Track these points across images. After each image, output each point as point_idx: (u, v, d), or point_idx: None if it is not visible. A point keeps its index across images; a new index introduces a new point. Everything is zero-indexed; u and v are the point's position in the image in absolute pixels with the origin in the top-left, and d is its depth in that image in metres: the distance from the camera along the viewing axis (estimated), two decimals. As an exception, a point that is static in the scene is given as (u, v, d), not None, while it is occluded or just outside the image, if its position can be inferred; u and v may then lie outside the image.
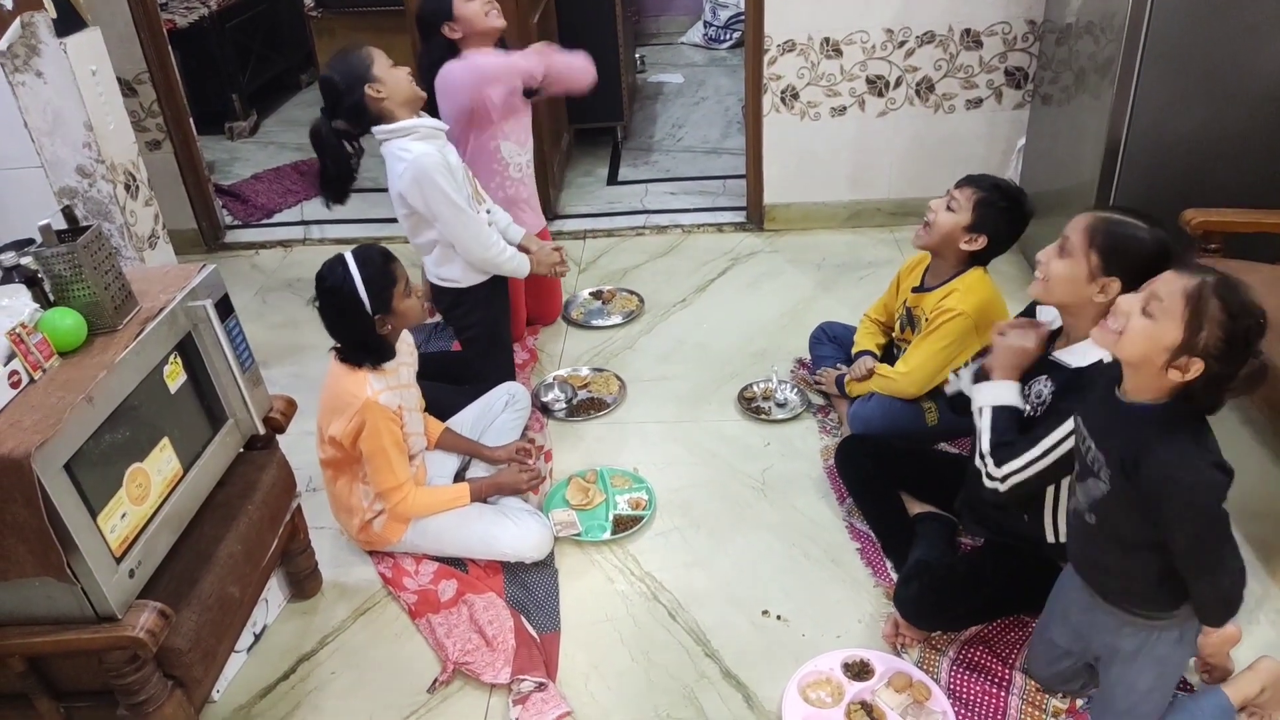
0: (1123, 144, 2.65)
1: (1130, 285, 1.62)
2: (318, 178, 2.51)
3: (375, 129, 2.42)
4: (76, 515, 1.44)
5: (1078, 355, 1.75)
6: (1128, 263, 1.67)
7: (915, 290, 2.41)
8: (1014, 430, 1.78)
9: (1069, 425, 1.65)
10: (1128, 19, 2.51)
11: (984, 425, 1.80)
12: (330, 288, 1.99)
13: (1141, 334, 1.40)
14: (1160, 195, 2.67)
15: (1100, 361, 1.69)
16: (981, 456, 1.78)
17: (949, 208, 2.24)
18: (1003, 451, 1.75)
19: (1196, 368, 1.36)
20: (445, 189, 2.40)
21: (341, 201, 2.52)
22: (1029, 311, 1.94)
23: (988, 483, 1.77)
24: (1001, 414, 1.80)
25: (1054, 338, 1.84)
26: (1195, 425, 1.43)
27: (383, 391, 2.03)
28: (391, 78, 2.37)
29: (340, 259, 2.00)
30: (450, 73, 2.62)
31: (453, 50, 2.67)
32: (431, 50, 2.66)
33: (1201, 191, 2.62)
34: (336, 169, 2.45)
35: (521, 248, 2.74)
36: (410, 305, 2.07)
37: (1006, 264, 3.25)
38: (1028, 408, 1.81)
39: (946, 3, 3.31)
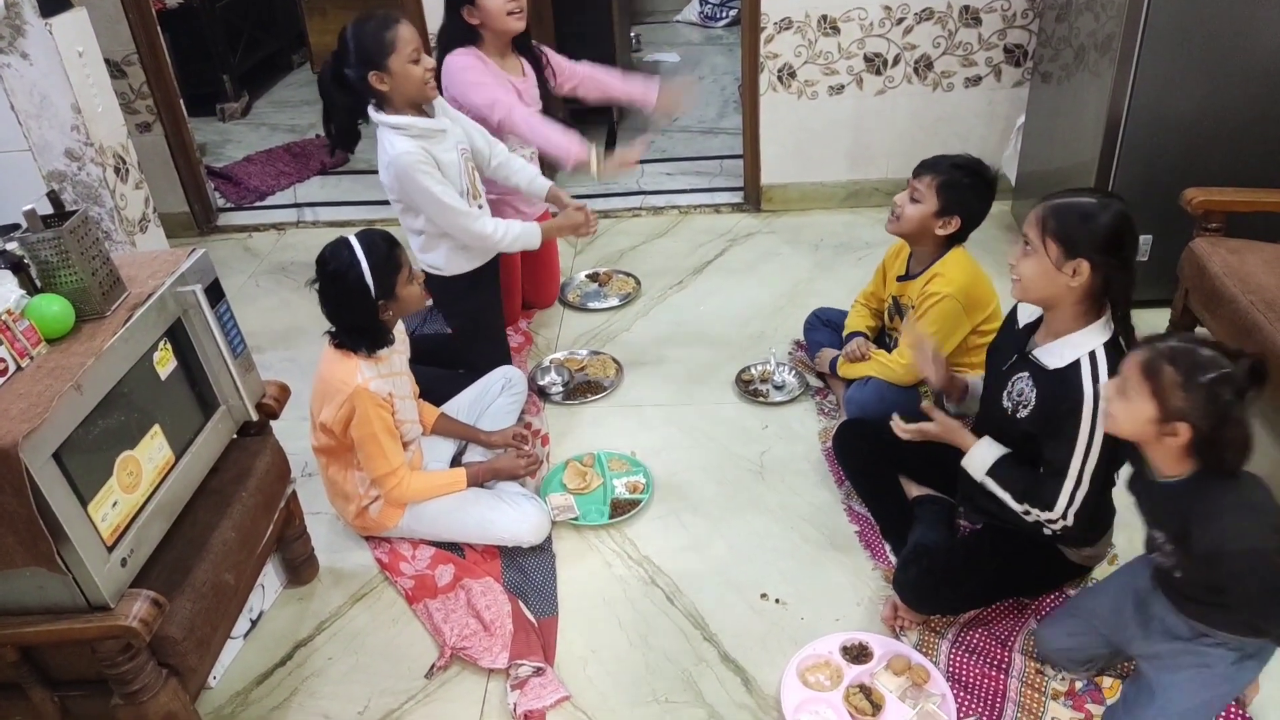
0: (1123, 122, 2.62)
1: (1099, 259, 1.66)
2: (324, 123, 2.46)
3: (371, 112, 2.39)
4: (66, 504, 1.42)
5: (1054, 355, 1.73)
6: (1087, 239, 1.67)
7: (900, 279, 2.40)
8: (1022, 468, 1.79)
9: (1083, 430, 1.66)
10: (1129, -6, 2.48)
11: (997, 490, 1.82)
12: (335, 271, 1.96)
13: (1125, 415, 1.49)
14: (1161, 174, 2.65)
15: (1077, 362, 1.68)
16: (1026, 513, 1.78)
17: (913, 199, 2.22)
18: (1035, 496, 1.75)
19: (1184, 431, 1.42)
20: (426, 185, 2.35)
21: (348, 149, 2.48)
22: (1011, 315, 1.92)
23: (1049, 529, 1.77)
24: (1000, 469, 1.82)
25: (1034, 329, 1.82)
26: (1230, 489, 1.45)
27: (373, 379, 2.02)
28: (403, 74, 2.28)
29: (345, 242, 1.97)
30: (448, 66, 2.62)
31: (470, 35, 2.65)
32: (451, 29, 2.63)
33: (1202, 170, 2.60)
34: (337, 119, 2.41)
35: (551, 198, 2.70)
36: (411, 291, 2.06)
37: (993, 236, 3.24)
38: (1009, 404, 1.81)
39: (945, -21, 3.28)
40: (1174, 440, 1.44)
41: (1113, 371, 1.64)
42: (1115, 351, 1.69)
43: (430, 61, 2.36)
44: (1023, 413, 1.77)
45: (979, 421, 1.95)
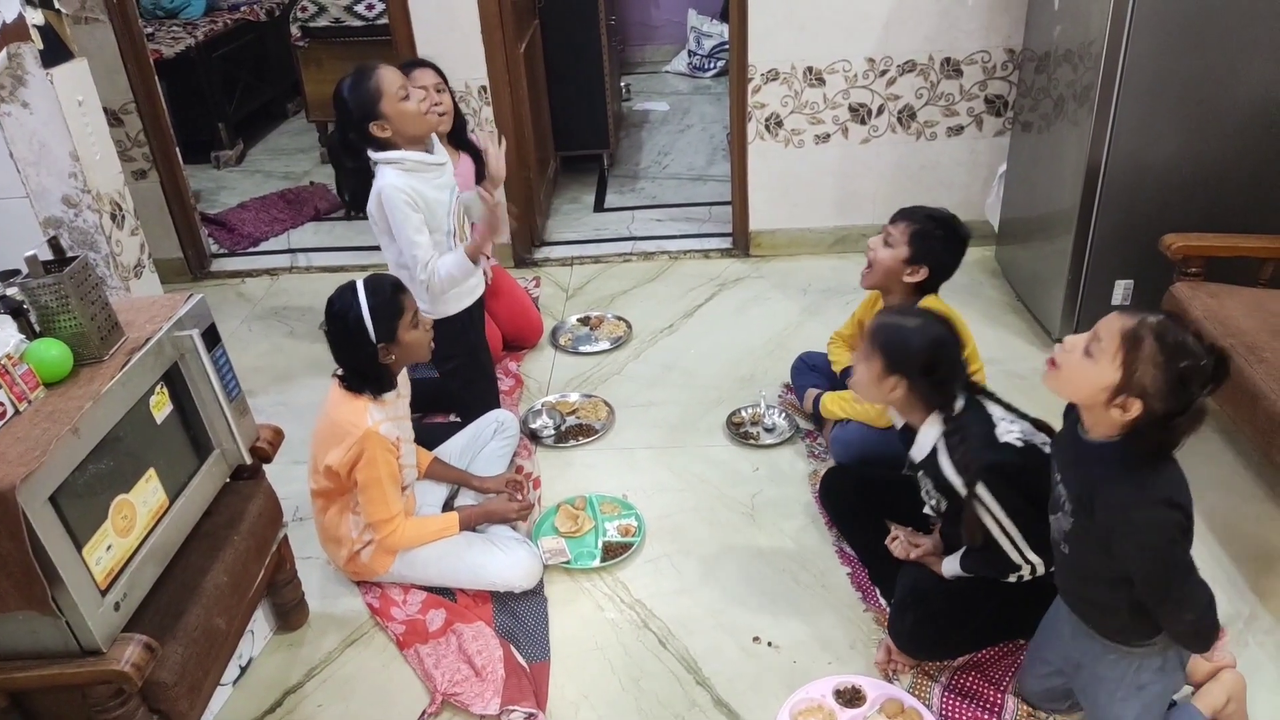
0: (1102, 170, 2.69)
1: (913, 379, 1.74)
2: (337, 188, 2.53)
3: (371, 155, 2.42)
4: (61, 547, 1.42)
5: (917, 449, 1.83)
6: (901, 359, 1.74)
7: None
8: (979, 553, 1.83)
9: (981, 507, 1.72)
10: (1105, 47, 2.55)
11: (978, 574, 1.88)
12: (337, 312, 2.00)
13: (1079, 373, 1.43)
14: (1140, 219, 2.71)
15: (934, 450, 1.77)
16: (1016, 578, 1.82)
17: (887, 243, 2.29)
18: (1004, 566, 1.79)
19: (1136, 407, 1.39)
20: (404, 216, 2.37)
21: (365, 210, 2.51)
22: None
23: (1036, 573, 1.80)
24: (967, 563, 1.88)
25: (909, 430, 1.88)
26: (1151, 462, 1.44)
27: (383, 422, 2.03)
28: (398, 114, 2.33)
29: (351, 285, 2.02)
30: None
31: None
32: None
33: (1181, 215, 2.66)
34: (349, 184, 2.47)
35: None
36: (416, 338, 2.07)
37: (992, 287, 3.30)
38: (934, 502, 1.90)
39: (927, 32, 3.37)
40: (1120, 413, 1.41)
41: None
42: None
43: (420, 93, 2.44)
44: (944, 505, 1.85)
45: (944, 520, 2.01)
